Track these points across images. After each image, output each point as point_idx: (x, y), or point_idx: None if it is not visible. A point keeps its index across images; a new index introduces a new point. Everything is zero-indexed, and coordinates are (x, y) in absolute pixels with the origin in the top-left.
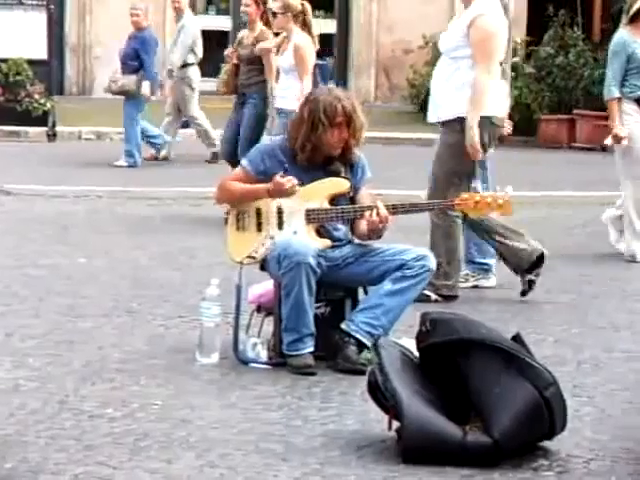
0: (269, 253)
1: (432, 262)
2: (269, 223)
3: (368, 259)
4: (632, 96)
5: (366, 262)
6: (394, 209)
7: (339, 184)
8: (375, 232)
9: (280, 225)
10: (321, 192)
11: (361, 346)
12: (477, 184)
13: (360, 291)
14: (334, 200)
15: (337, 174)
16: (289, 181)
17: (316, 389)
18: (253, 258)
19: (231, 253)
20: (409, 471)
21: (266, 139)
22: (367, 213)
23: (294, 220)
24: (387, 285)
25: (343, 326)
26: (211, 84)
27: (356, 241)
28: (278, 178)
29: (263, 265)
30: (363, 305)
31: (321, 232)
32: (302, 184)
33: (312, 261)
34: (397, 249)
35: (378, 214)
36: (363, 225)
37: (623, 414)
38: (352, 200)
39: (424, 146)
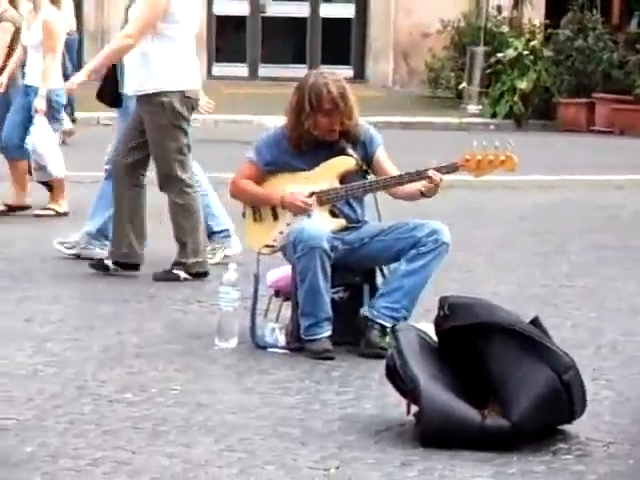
0: (286, 239)
1: (445, 235)
2: (284, 211)
3: (382, 238)
4: None
5: (380, 241)
6: (405, 178)
7: (345, 162)
8: (431, 194)
9: None
10: (329, 173)
11: (385, 330)
12: (475, 142)
13: (378, 276)
14: (344, 179)
15: (343, 151)
16: (306, 204)
17: (334, 373)
18: (272, 247)
19: (251, 245)
20: (428, 455)
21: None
22: (431, 173)
23: None
24: (403, 266)
25: (366, 313)
26: (227, 69)
27: (370, 222)
28: (297, 194)
29: (284, 252)
30: (383, 290)
31: (335, 213)
32: (310, 168)
33: (326, 245)
34: (410, 225)
35: (436, 183)
36: (406, 187)
37: None
38: (366, 174)
39: (442, 130)
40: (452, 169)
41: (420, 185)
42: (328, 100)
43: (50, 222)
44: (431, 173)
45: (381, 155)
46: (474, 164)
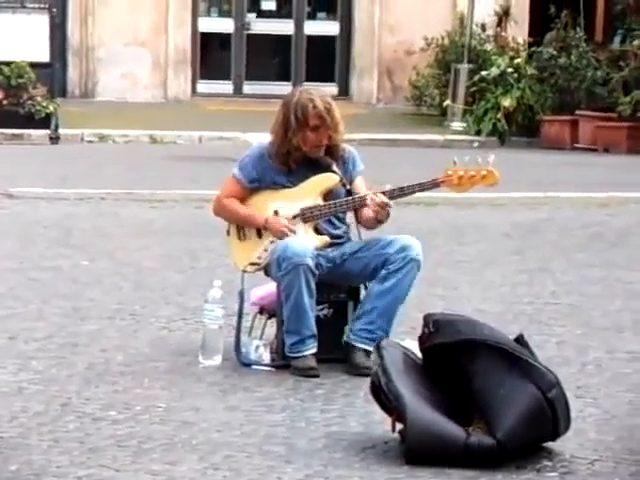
0: (270, 257)
1: (415, 250)
2: None
3: (360, 255)
4: None
5: (359, 259)
6: (387, 194)
7: (328, 179)
8: (382, 218)
9: None
10: (313, 190)
11: (368, 352)
12: (456, 157)
13: (362, 292)
14: (328, 195)
15: (328, 168)
16: (287, 228)
17: (319, 391)
18: (257, 264)
19: (236, 263)
20: (412, 473)
21: None
22: (369, 198)
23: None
24: (375, 287)
25: (345, 338)
26: (212, 86)
27: (354, 238)
28: (280, 219)
29: (267, 270)
30: (359, 312)
31: (319, 230)
32: (294, 185)
33: (310, 262)
34: (384, 241)
35: (377, 204)
36: (367, 212)
37: (627, 415)
38: (349, 193)
39: (426, 147)
40: (434, 185)
41: (371, 211)
42: (314, 115)
43: (45, 240)
44: (369, 197)
45: (359, 183)
46: (456, 179)
